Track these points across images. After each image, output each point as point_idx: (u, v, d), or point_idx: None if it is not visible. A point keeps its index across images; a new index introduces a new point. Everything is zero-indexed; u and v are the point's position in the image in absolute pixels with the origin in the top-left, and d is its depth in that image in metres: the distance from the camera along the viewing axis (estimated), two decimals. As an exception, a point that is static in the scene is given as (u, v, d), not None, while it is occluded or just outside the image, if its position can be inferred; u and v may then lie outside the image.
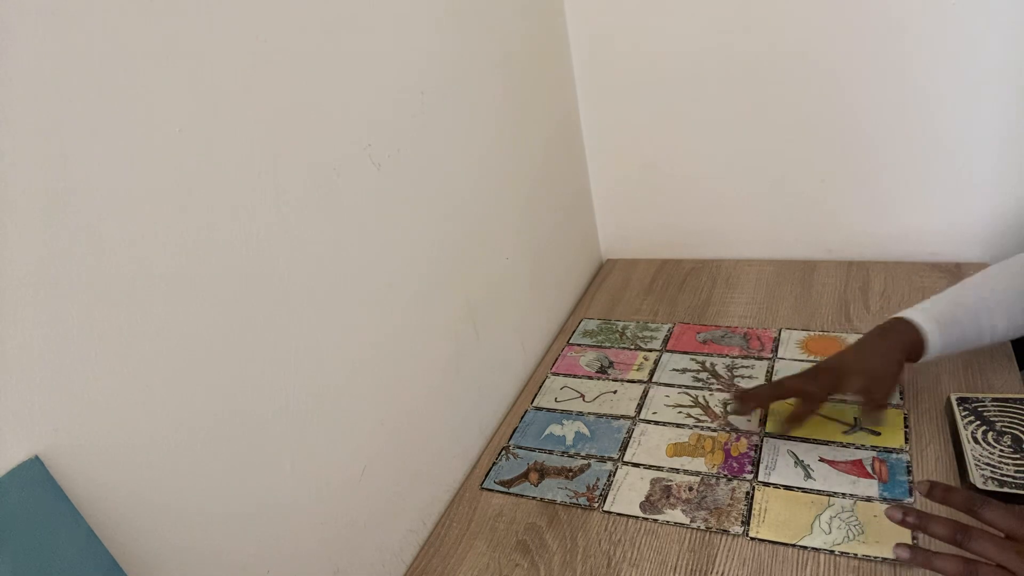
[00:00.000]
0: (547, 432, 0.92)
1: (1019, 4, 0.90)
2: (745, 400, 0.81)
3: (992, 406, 0.77)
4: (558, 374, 1.02)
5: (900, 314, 0.78)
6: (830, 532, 0.70)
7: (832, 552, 0.68)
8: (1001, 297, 0.75)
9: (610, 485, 0.81)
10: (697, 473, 0.80)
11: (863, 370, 0.76)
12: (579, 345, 1.08)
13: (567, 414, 0.94)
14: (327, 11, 0.62)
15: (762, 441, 0.83)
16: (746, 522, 0.73)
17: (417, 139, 0.76)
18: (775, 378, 0.91)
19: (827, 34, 1.00)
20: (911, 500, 0.72)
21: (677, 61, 1.10)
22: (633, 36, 1.10)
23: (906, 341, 0.75)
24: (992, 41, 0.93)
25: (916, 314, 0.77)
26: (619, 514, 0.78)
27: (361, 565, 0.71)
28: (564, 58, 1.14)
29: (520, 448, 0.90)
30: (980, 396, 0.79)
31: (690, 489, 0.79)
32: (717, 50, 1.07)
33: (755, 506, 0.75)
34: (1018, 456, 0.71)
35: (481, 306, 0.91)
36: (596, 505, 0.79)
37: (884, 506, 0.71)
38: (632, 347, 1.04)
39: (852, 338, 0.95)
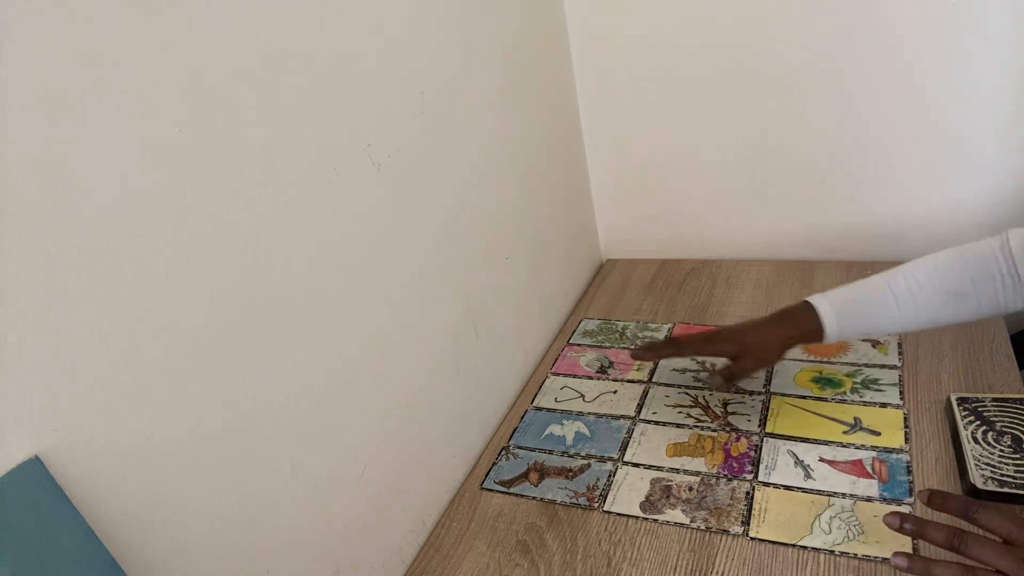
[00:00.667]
0: (547, 432, 0.92)
1: (1019, 3, 0.90)
2: (645, 350, 0.94)
3: (992, 406, 0.77)
4: (558, 374, 1.02)
5: (809, 298, 0.81)
6: (830, 532, 0.70)
7: (832, 552, 0.68)
8: (915, 292, 0.77)
9: (610, 485, 0.81)
10: (697, 473, 0.80)
11: (744, 347, 0.83)
12: (579, 345, 1.08)
13: (567, 414, 0.94)
14: (327, 11, 0.62)
15: (762, 441, 0.83)
16: (746, 522, 0.73)
17: (417, 139, 0.76)
18: (775, 379, 0.92)
19: (828, 33, 1.00)
20: (911, 500, 0.72)
21: (677, 61, 1.10)
22: (633, 35, 1.10)
23: (800, 331, 0.81)
24: (992, 43, 0.93)
25: (821, 302, 0.80)
26: (619, 514, 0.78)
27: (361, 565, 0.71)
28: (564, 58, 1.14)
29: (520, 448, 0.90)
30: (980, 396, 0.79)
31: (690, 489, 0.79)
32: (717, 50, 1.07)
33: (755, 506, 0.75)
34: (1018, 456, 0.71)
35: (481, 306, 0.91)
36: (596, 505, 0.79)
37: (884, 506, 0.71)
38: (632, 347, 1.04)
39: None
